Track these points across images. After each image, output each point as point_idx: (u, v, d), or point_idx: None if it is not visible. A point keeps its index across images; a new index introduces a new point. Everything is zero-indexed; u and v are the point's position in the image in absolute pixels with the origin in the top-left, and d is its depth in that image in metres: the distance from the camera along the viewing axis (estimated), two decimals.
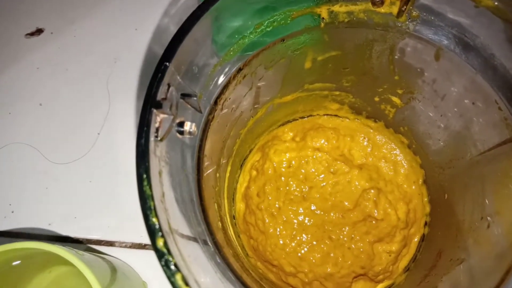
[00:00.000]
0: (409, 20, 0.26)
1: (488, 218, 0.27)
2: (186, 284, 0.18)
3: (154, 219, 0.18)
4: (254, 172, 0.40)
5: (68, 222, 0.41)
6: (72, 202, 0.42)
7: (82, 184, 0.42)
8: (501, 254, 0.24)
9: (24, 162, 0.44)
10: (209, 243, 0.23)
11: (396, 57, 0.29)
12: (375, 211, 0.38)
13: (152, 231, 0.18)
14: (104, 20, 0.49)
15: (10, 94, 0.47)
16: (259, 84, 0.31)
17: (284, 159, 0.40)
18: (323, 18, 0.27)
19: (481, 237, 0.27)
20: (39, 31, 0.49)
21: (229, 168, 0.35)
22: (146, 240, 0.40)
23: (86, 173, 0.43)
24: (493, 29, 0.23)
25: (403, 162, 0.39)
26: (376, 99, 0.35)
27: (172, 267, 0.18)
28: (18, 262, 0.31)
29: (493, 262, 0.25)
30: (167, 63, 0.20)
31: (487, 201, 0.28)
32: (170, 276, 0.18)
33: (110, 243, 0.40)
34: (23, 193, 0.43)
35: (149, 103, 0.19)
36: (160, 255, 0.18)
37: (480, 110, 0.27)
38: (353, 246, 0.38)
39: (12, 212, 0.42)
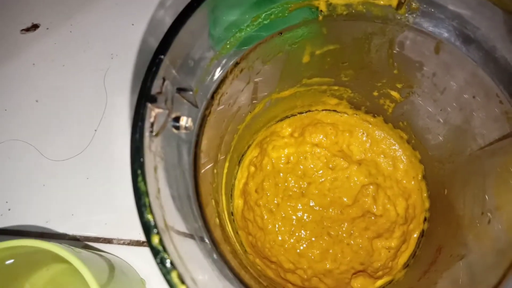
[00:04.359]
0: (409, 12, 0.26)
1: (488, 213, 0.27)
2: (182, 282, 0.17)
3: (149, 216, 0.18)
4: (253, 168, 0.39)
5: (65, 220, 0.41)
6: (69, 199, 0.42)
7: (79, 181, 0.42)
8: (502, 250, 0.24)
9: (21, 159, 0.43)
10: (206, 240, 0.22)
11: (395, 50, 0.29)
12: (374, 207, 0.38)
13: (147, 228, 0.18)
14: (101, 15, 0.49)
15: (5, 91, 0.46)
16: (256, 79, 0.30)
17: (282, 155, 0.40)
18: (321, 10, 0.27)
19: (482, 232, 0.27)
20: (34, 27, 0.48)
21: (227, 164, 0.34)
22: (144, 237, 0.40)
23: (83, 170, 0.42)
24: (495, 21, 0.23)
25: (402, 157, 0.39)
26: (375, 93, 0.35)
27: (168, 264, 0.18)
28: (11, 261, 0.31)
29: (494, 258, 0.24)
30: (162, 56, 0.20)
31: (487, 196, 0.27)
32: (165, 273, 0.18)
33: (108, 240, 0.40)
34: (19, 191, 0.42)
35: (143, 97, 0.19)
36: (155, 252, 0.18)
37: (480, 104, 0.27)
38: (352, 242, 0.37)
39: (9, 209, 0.42)
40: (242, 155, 0.40)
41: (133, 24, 0.48)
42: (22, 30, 0.48)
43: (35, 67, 0.47)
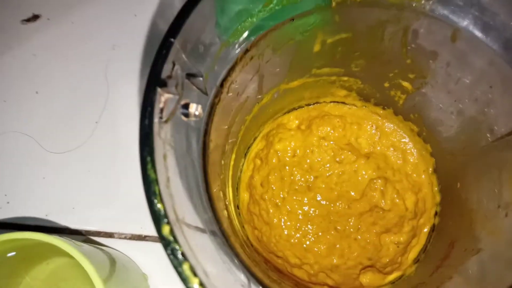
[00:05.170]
0: None
1: (505, 207, 0.26)
2: (195, 274, 0.17)
3: (159, 205, 0.17)
4: (258, 161, 0.39)
5: (66, 213, 0.40)
6: (70, 192, 0.41)
7: (80, 174, 0.41)
8: None
9: (20, 151, 0.43)
10: (217, 232, 0.21)
11: (409, 39, 0.28)
12: (382, 201, 0.37)
13: (157, 218, 0.17)
14: (103, 6, 0.48)
15: (5, 82, 0.45)
16: (266, 68, 0.29)
17: (288, 148, 0.39)
18: None
19: (498, 226, 0.26)
20: (35, 17, 0.48)
21: (233, 156, 0.34)
22: (146, 231, 0.39)
23: (84, 163, 0.42)
24: None
25: (412, 150, 0.38)
26: (386, 84, 0.34)
27: (180, 256, 0.17)
28: (13, 253, 0.30)
29: None
30: (172, 39, 0.19)
31: (504, 189, 0.26)
32: (177, 265, 0.17)
33: (109, 235, 0.39)
34: (19, 183, 0.41)
35: (153, 81, 0.18)
36: (166, 243, 0.17)
37: (497, 93, 0.26)
38: (359, 237, 0.37)
39: (8, 202, 0.41)
40: (248, 148, 0.39)
41: (135, 15, 0.47)
42: (23, 20, 0.47)
43: (36, 58, 0.46)
